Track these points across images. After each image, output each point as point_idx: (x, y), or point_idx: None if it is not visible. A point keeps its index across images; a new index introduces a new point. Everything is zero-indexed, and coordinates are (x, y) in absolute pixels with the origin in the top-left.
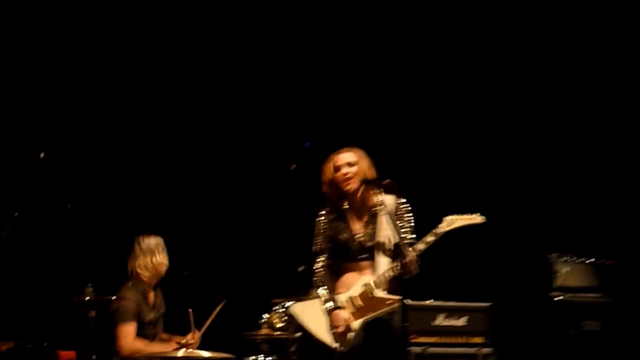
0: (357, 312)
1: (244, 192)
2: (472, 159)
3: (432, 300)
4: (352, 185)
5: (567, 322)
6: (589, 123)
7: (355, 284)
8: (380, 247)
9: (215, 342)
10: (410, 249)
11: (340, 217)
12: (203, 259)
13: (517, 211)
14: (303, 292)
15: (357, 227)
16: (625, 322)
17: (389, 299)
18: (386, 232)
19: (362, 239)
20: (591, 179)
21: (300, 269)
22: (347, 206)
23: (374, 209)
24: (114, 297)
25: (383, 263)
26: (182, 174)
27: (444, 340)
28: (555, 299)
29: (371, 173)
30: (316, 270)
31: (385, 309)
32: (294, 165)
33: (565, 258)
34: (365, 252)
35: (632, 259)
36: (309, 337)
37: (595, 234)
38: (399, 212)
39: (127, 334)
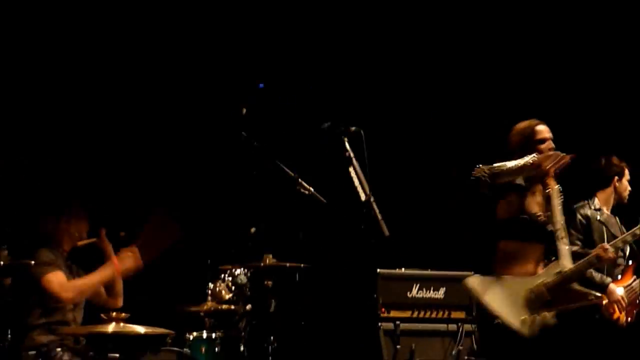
0: (552, 301)
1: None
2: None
3: (405, 268)
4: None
5: None
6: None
7: (546, 269)
8: (561, 233)
9: (153, 316)
10: (610, 245)
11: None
12: (136, 219)
13: None
14: (255, 258)
15: (537, 208)
16: None
17: (591, 295)
18: (561, 219)
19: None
20: None
21: (252, 230)
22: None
23: (547, 191)
24: (32, 262)
25: (566, 252)
26: (112, 120)
27: (419, 314)
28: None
29: None
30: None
31: (584, 303)
32: (245, 109)
33: None
34: (546, 236)
35: None
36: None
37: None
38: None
39: (58, 278)
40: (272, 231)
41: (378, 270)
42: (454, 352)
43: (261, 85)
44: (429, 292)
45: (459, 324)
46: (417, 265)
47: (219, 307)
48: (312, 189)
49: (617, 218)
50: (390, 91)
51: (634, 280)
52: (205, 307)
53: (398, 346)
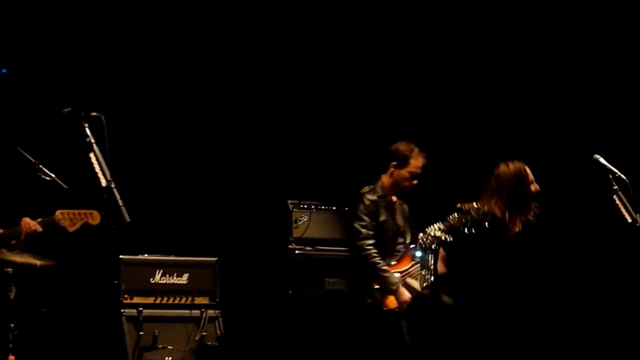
0: None
1: None
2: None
3: (147, 254)
4: None
5: (307, 280)
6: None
7: None
8: None
9: None
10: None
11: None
12: None
13: (252, 151)
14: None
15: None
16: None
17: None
18: None
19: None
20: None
21: None
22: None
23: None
24: None
25: None
26: None
27: (163, 300)
28: (294, 252)
29: None
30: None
31: None
32: None
33: (305, 205)
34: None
35: None
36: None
37: (339, 177)
38: None
39: None
40: (12, 218)
41: (120, 256)
42: (197, 338)
43: (4, 70)
44: (172, 277)
45: (203, 310)
46: (159, 251)
47: None
48: (53, 175)
49: (402, 205)
50: (134, 74)
51: (412, 265)
52: None
53: (141, 332)
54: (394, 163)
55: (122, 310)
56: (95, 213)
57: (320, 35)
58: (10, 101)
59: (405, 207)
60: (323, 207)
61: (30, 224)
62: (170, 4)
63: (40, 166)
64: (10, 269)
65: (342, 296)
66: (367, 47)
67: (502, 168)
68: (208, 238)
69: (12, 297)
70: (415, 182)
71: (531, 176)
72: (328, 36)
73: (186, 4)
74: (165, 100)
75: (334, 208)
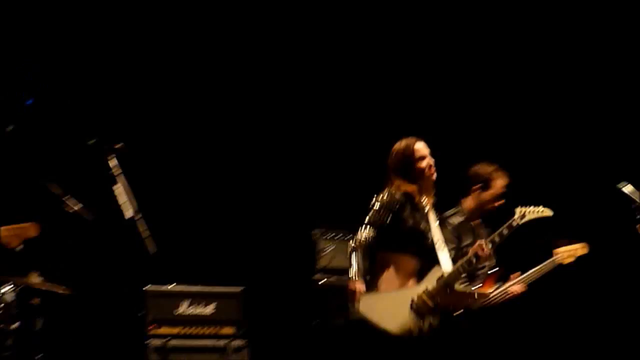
0: (435, 307)
1: None
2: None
3: (174, 284)
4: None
5: (333, 310)
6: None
7: (428, 277)
8: (440, 244)
9: None
10: (486, 241)
11: (415, 207)
12: None
13: (279, 180)
14: (21, 275)
15: (425, 222)
16: None
17: (475, 294)
18: (438, 231)
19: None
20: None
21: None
22: (419, 196)
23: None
24: None
25: (447, 259)
26: None
27: (189, 331)
28: (320, 282)
29: None
30: (362, 240)
31: (470, 304)
32: (11, 127)
33: (331, 235)
34: (428, 247)
35: None
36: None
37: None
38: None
39: None
40: (38, 248)
41: (145, 288)
42: None
43: (29, 101)
44: (198, 308)
45: (229, 340)
46: (185, 281)
47: None
48: (78, 206)
49: (485, 228)
50: (160, 106)
51: (495, 289)
52: None
53: None
54: (475, 187)
55: (146, 342)
56: (32, 225)
57: (354, 60)
58: (36, 132)
59: (486, 230)
60: (348, 237)
61: None
62: (197, 33)
63: (65, 198)
64: (37, 300)
65: (367, 326)
66: (403, 73)
67: (395, 144)
68: (234, 268)
69: (38, 328)
70: (500, 202)
71: (423, 151)
72: (362, 62)
73: (215, 34)
74: (189, 129)
75: None
